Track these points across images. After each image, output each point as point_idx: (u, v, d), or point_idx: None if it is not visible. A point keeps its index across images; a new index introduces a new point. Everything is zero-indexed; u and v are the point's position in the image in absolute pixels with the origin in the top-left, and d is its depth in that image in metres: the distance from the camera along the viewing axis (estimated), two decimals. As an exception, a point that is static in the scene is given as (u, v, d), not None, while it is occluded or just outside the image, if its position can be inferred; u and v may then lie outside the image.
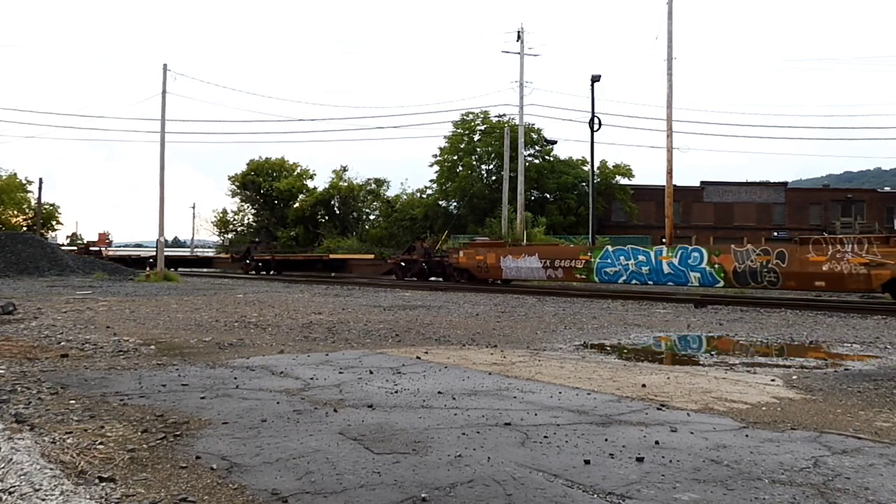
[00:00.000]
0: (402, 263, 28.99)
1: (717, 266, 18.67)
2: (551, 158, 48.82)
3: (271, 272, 35.64)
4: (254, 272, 35.35)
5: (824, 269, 16.58)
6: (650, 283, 20.41)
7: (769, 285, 17.83)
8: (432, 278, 27.39)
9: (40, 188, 61.24)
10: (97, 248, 45.72)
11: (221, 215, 64.02)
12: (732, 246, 18.70)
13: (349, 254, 38.44)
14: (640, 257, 20.35)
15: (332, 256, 37.44)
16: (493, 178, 47.52)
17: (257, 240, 46.24)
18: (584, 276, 21.77)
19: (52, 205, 66.84)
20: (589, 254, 21.75)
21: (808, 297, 17.19)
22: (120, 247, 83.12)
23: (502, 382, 5.96)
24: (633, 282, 20.69)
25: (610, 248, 21.74)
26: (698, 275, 19.06)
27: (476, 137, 49.37)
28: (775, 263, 17.51)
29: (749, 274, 17.98)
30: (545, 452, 3.80)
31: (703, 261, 18.96)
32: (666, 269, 19.81)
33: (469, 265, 25.41)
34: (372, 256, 34.93)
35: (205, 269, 42.33)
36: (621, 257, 20.85)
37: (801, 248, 17.14)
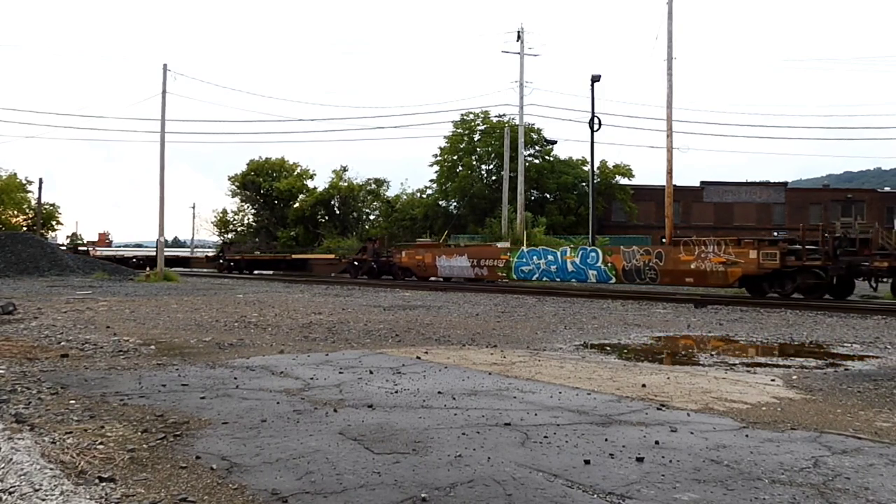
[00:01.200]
0: (356, 263, 31.60)
1: (609, 264, 21.31)
2: (551, 158, 48.82)
3: (243, 271, 39.63)
4: (226, 271, 38.99)
5: (692, 267, 18.96)
6: (557, 279, 22.89)
7: (650, 281, 20.32)
8: (383, 276, 29.74)
9: (40, 188, 61.31)
10: (85, 249, 46.84)
11: (221, 215, 64.05)
12: (622, 247, 21.65)
13: (311, 254, 41.38)
14: (549, 257, 23.01)
15: (293, 256, 40.60)
16: (493, 178, 47.52)
17: (229, 242, 49.74)
18: (504, 274, 24.32)
19: (52, 205, 66.90)
20: (508, 254, 24.35)
21: (808, 296, 17.22)
22: (120, 247, 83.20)
23: (502, 382, 5.96)
24: (544, 279, 23.03)
25: (525, 248, 24.51)
26: (595, 272, 21.67)
27: (476, 137, 49.36)
28: (655, 262, 19.99)
29: (634, 271, 20.51)
30: (545, 452, 3.79)
31: (599, 260, 21.59)
32: (570, 267, 22.44)
33: (410, 264, 28.12)
34: (332, 256, 37.27)
35: (186, 269, 44.08)
36: (534, 257, 23.44)
37: (675, 249, 19.70)
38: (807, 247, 17.65)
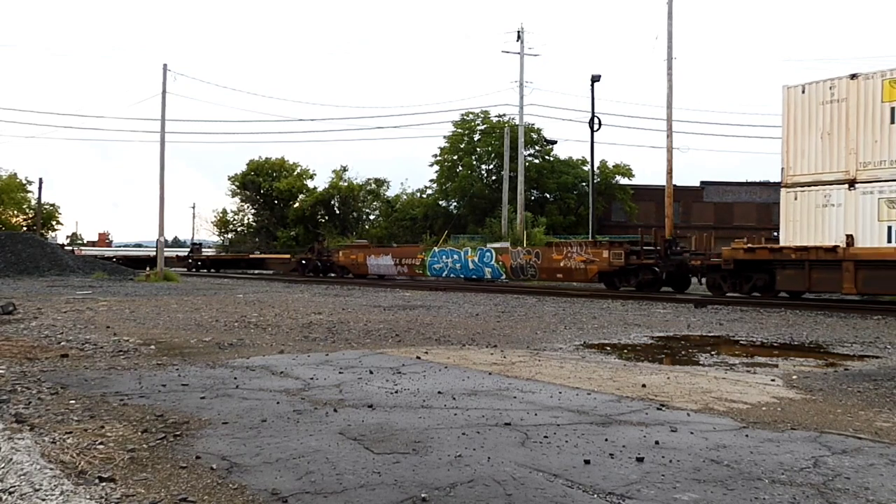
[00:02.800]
0: (303, 262, 34.68)
1: (500, 263, 24.59)
2: (551, 158, 48.81)
3: (210, 269, 43.24)
4: (195, 269, 42.29)
5: (562, 265, 22.19)
6: (462, 276, 26.23)
7: (531, 276, 23.62)
8: (328, 274, 32.85)
9: (40, 188, 61.33)
10: (70, 249, 48.22)
11: (221, 215, 64.07)
12: (510, 248, 25.00)
13: (268, 255, 46.45)
14: (455, 256, 26.40)
15: (251, 256, 46.60)
16: (493, 178, 47.53)
17: (196, 243, 52.90)
18: (420, 272, 27.51)
19: (52, 205, 66.93)
20: (423, 254, 27.59)
21: (808, 297, 17.23)
22: (120, 247, 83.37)
23: (502, 382, 5.96)
24: (451, 275, 26.51)
25: (436, 248, 27.64)
26: (490, 269, 25.07)
27: (476, 137, 49.36)
28: (534, 261, 23.27)
29: (519, 269, 23.77)
30: (545, 452, 3.80)
31: (493, 259, 24.98)
32: (471, 265, 25.79)
33: (346, 263, 31.29)
34: (286, 256, 41.00)
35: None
36: (443, 256, 26.79)
37: (549, 250, 23.00)
38: (645, 248, 20.86)
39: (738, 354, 8.29)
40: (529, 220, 35.63)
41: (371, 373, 6.36)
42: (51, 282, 25.28)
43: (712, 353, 8.28)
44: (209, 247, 62.73)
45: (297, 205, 57.76)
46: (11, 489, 3.09)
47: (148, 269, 34.21)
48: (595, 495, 3.12)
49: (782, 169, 16.67)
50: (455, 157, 49.69)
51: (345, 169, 56.32)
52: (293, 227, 56.08)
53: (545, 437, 4.12)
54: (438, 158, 50.81)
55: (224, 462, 3.57)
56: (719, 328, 11.15)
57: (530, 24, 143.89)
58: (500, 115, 47.77)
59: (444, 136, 49.96)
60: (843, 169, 15.41)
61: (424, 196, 52.21)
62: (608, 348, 8.70)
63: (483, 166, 49.42)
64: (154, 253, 57.06)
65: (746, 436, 4.21)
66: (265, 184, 59.31)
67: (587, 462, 3.60)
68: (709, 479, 3.36)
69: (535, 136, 46.93)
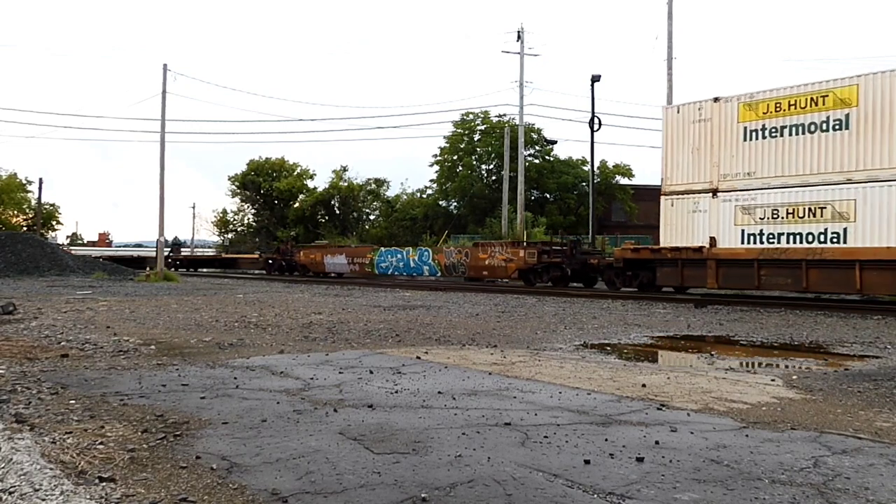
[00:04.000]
0: (270, 261, 37.24)
1: (436, 261, 27.03)
2: (551, 158, 48.80)
3: (189, 269, 45.23)
4: (174, 268, 43.53)
5: (486, 262, 24.62)
6: (405, 273, 28.72)
7: (461, 274, 26.25)
8: (294, 273, 35.04)
9: (40, 188, 61.40)
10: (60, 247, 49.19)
11: (221, 215, 64.07)
12: (443, 248, 27.97)
13: (239, 255, 49.85)
14: (399, 256, 28.97)
15: (224, 255, 50.63)
16: (493, 178, 47.52)
17: (177, 242, 54.09)
18: (370, 270, 29.95)
19: (52, 205, 66.94)
20: (371, 253, 30.29)
21: (808, 297, 17.24)
22: (120, 247, 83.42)
23: (502, 382, 5.97)
24: (396, 273, 28.93)
25: (383, 249, 30.61)
26: (428, 267, 27.51)
27: (476, 137, 49.35)
28: (464, 259, 25.84)
29: (452, 266, 26.34)
30: (545, 452, 3.80)
31: (430, 258, 27.43)
32: (412, 263, 28.14)
33: (305, 262, 33.74)
34: (255, 256, 43.78)
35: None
36: (388, 256, 29.34)
37: (476, 249, 25.54)
38: (554, 249, 23.52)
39: (738, 354, 8.29)
40: (529, 220, 35.65)
41: (371, 373, 6.36)
42: (51, 282, 25.28)
43: (712, 352, 8.28)
44: (209, 247, 62.94)
45: (297, 205, 57.77)
46: (11, 489, 3.10)
47: (148, 269, 34.24)
48: (595, 495, 3.12)
49: (662, 179, 18.84)
50: (455, 158, 49.68)
51: (345, 169, 56.36)
52: (293, 227, 56.07)
53: (545, 437, 4.12)
54: (438, 158, 50.81)
55: (224, 462, 3.57)
56: (719, 328, 11.15)
57: (530, 24, 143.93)
58: (500, 115, 47.78)
59: (444, 137, 50.00)
60: (708, 180, 17.67)
61: (424, 196, 52.20)
62: (608, 348, 8.70)
63: (483, 166, 49.42)
64: (137, 253, 57.48)
65: (746, 436, 4.21)
66: (265, 184, 59.32)
67: (587, 462, 3.60)
68: (709, 479, 3.36)
69: (535, 136, 46.92)
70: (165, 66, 30.75)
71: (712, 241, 17.41)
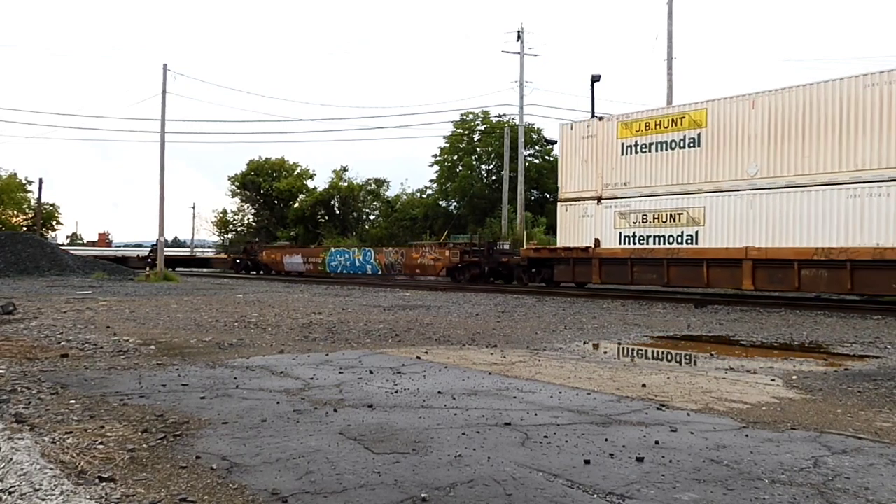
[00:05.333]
0: (237, 260, 40.27)
1: (377, 261, 29.86)
2: (551, 158, 48.71)
3: (172, 268, 46.99)
4: (149, 268, 45.91)
5: (419, 262, 27.43)
6: (351, 272, 31.33)
7: (398, 272, 28.74)
8: (260, 272, 37.77)
9: (40, 188, 61.40)
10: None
11: (221, 215, 64.02)
12: (383, 249, 30.80)
13: (211, 255, 53.01)
14: (346, 255, 31.90)
15: (198, 256, 53.46)
16: (493, 178, 47.49)
17: (155, 243, 55.10)
18: (322, 268, 32.74)
19: (52, 205, 66.93)
20: (323, 254, 33.27)
21: (808, 297, 17.25)
22: (120, 247, 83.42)
23: (502, 382, 5.96)
24: (344, 271, 31.71)
25: (333, 249, 33.40)
26: (370, 266, 30.23)
27: (476, 137, 49.32)
28: (401, 259, 28.53)
29: (390, 265, 29.08)
30: (545, 452, 3.80)
31: (372, 258, 30.30)
32: (357, 262, 30.98)
33: (268, 261, 36.79)
34: (225, 256, 46.99)
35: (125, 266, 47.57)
36: (338, 256, 32.29)
37: (410, 249, 28.54)
38: (474, 249, 26.03)
39: (738, 354, 8.29)
40: (529, 219, 35.62)
41: (371, 373, 6.36)
42: (51, 282, 25.28)
43: (712, 352, 8.28)
44: (209, 247, 63.08)
45: (297, 205, 57.71)
46: (11, 489, 3.09)
47: (148, 269, 34.30)
48: (595, 495, 3.12)
49: (558, 187, 21.52)
50: (455, 157, 49.64)
51: (345, 169, 56.27)
52: (293, 227, 56.04)
53: (545, 437, 4.12)
54: (438, 158, 50.77)
55: (224, 462, 3.57)
56: (719, 328, 11.15)
57: (530, 24, 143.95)
58: (500, 115, 47.71)
59: (444, 136, 49.93)
60: (594, 188, 20.18)
61: (424, 196, 52.13)
62: (608, 348, 8.69)
63: (483, 166, 49.36)
64: (121, 253, 57.68)
65: (746, 436, 4.21)
66: (265, 184, 59.27)
67: (587, 462, 3.60)
68: (709, 479, 3.36)
69: (535, 135, 46.88)
70: (165, 66, 30.75)
71: (597, 242, 19.94)
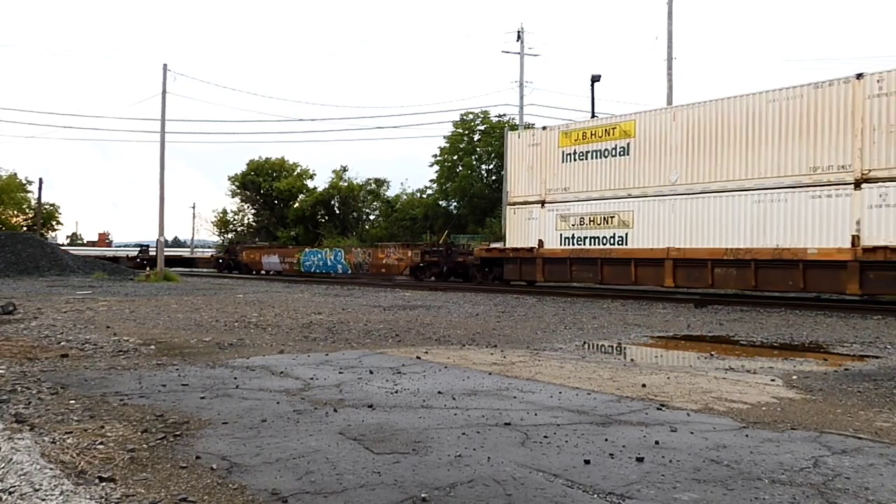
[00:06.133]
0: (220, 260, 43.21)
1: (347, 260, 32.10)
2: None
3: (153, 267, 50.04)
4: (139, 268, 46.38)
5: (384, 261, 29.74)
6: (323, 271, 33.56)
7: (365, 271, 30.92)
8: (241, 271, 40.06)
9: (40, 188, 61.43)
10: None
11: (221, 215, 64.04)
12: (353, 249, 32.90)
13: (194, 255, 55.43)
14: (319, 255, 34.28)
15: (183, 257, 55.57)
16: (493, 178, 47.47)
17: (146, 244, 56.70)
18: (297, 268, 35.21)
19: (52, 205, 67.01)
20: (298, 254, 35.81)
21: (808, 297, 17.24)
22: (119, 247, 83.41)
23: (502, 382, 5.96)
24: (316, 270, 33.93)
25: (307, 249, 36.05)
26: (341, 265, 32.53)
27: (476, 137, 49.31)
28: (368, 259, 30.88)
29: (358, 265, 31.42)
30: (545, 452, 3.80)
31: (342, 258, 32.49)
32: (329, 262, 33.32)
33: (247, 261, 39.69)
34: (209, 256, 49.31)
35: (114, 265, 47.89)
36: (311, 256, 34.73)
37: (376, 250, 31.01)
38: (434, 249, 27.95)
39: (738, 354, 8.29)
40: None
41: (371, 373, 6.36)
42: (51, 282, 25.28)
43: (712, 352, 8.28)
44: (209, 247, 63.09)
45: (297, 205, 57.71)
46: (11, 489, 3.09)
47: (148, 269, 34.33)
48: (595, 495, 3.12)
49: (506, 192, 23.06)
50: (455, 157, 49.61)
51: (345, 169, 56.27)
52: (293, 227, 56.04)
53: (545, 437, 4.12)
54: (438, 158, 50.74)
55: (224, 462, 3.57)
56: (719, 328, 11.15)
57: (530, 24, 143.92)
58: (500, 115, 47.70)
59: (444, 136, 49.90)
60: (539, 193, 21.57)
61: (424, 196, 52.12)
62: (608, 348, 8.69)
63: (483, 166, 49.33)
64: (112, 253, 57.66)
65: (746, 436, 4.21)
66: (265, 184, 59.27)
67: (587, 462, 3.60)
68: (709, 479, 3.36)
69: (535, 136, 46.81)
70: (165, 66, 30.77)
71: (540, 243, 21.38)
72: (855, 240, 14.88)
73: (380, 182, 56.39)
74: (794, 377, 6.48)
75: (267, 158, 60.88)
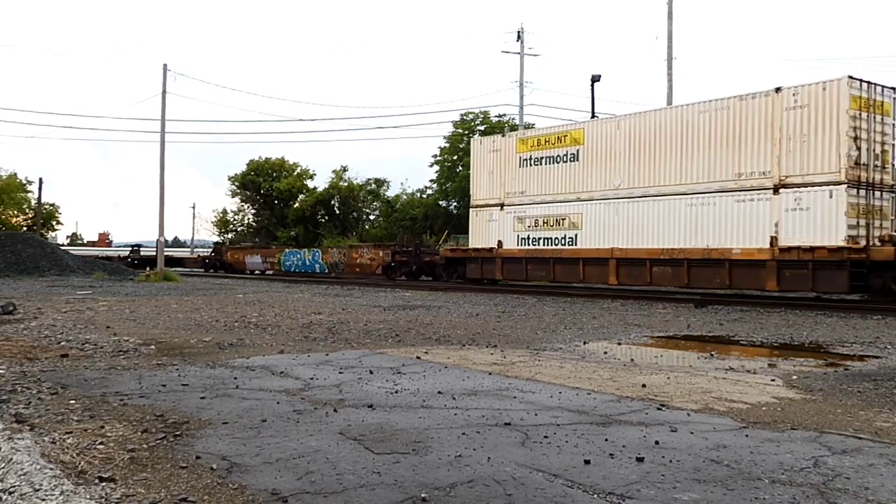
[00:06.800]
0: (206, 260, 44.84)
1: (324, 260, 33.11)
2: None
3: (145, 266, 48.49)
4: (132, 267, 46.67)
5: (359, 261, 30.77)
6: (303, 270, 34.64)
7: (342, 271, 31.90)
8: (227, 270, 41.12)
9: (40, 188, 61.37)
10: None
11: (221, 215, 64.06)
12: (329, 250, 33.99)
13: (182, 255, 56.59)
14: (298, 256, 35.52)
15: (173, 257, 55.21)
16: (493, 178, 47.38)
17: (137, 245, 57.48)
18: (278, 267, 36.55)
19: (52, 205, 66.97)
20: (279, 254, 37.13)
21: (808, 297, 17.25)
22: (119, 247, 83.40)
23: (502, 382, 5.96)
24: (295, 269, 35.05)
25: (287, 249, 37.42)
26: (319, 265, 33.52)
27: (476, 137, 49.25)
28: (343, 259, 31.84)
29: (335, 265, 32.31)
30: (545, 452, 3.79)
31: (320, 258, 33.59)
32: (307, 262, 34.44)
33: (231, 261, 41.12)
34: (196, 256, 50.50)
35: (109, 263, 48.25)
36: (291, 256, 35.96)
37: (352, 250, 32.03)
38: (404, 250, 29.08)
39: (738, 354, 8.29)
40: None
41: (371, 373, 6.36)
42: (51, 282, 25.28)
43: (712, 352, 8.28)
44: (209, 247, 63.10)
45: (297, 205, 57.70)
46: (11, 489, 3.09)
47: (148, 269, 34.33)
48: (595, 495, 3.12)
49: (470, 195, 24.36)
50: (455, 157, 49.58)
51: (345, 169, 56.27)
52: (293, 227, 56.04)
53: (545, 437, 4.12)
54: (438, 158, 50.71)
55: (224, 462, 3.57)
56: (719, 328, 11.15)
57: (530, 24, 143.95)
58: (500, 115, 47.68)
59: (444, 136, 49.89)
60: (498, 196, 22.91)
61: (424, 196, 52.12)
62: (608, 348, 8.69)
63: (483, 166, 49.25)
64: (105, 253, 57.75)
65: (746, 436, 4.21)
66: (265, 184, 59.26)
67: (587, 462, 3.60)
68: (709, 479, 3.36)
69: (535, 136, 46.79)
70: (165, 66, 30.76)
71: (499, 243, 22.70)
72: (773, 240, 16.03)
73: (380, 182, 56.39)
74: (794, 377, 6.48)
75: (267, 158, 60.87)
